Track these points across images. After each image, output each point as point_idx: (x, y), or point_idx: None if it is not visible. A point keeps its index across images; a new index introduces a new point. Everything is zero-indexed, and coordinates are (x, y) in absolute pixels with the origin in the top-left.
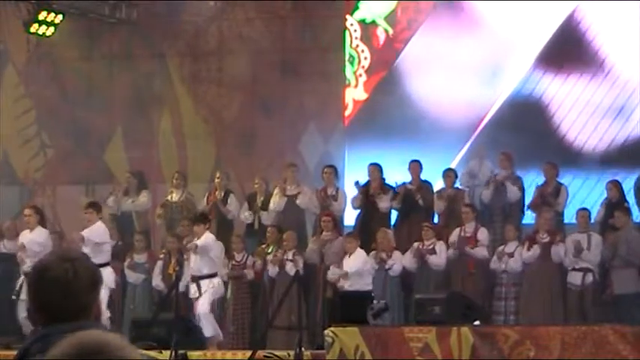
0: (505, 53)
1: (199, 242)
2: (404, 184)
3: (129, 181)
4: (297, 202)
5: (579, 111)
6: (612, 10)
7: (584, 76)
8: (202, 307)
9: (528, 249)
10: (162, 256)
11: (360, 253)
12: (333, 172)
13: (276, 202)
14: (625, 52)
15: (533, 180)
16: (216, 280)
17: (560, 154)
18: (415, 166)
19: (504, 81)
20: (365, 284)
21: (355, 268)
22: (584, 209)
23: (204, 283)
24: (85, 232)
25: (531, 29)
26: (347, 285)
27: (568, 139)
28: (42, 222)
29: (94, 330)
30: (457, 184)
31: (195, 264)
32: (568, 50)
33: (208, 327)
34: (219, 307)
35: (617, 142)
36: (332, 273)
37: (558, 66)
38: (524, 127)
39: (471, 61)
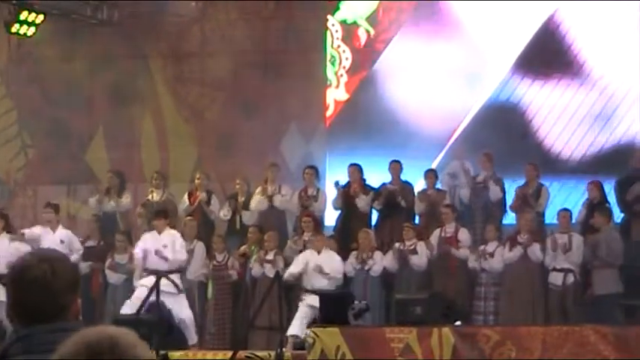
0: (484, 57)
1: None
2: (384, 184)
3: (111, 181)
4: (276, 203)
5: (557, 116)
6: (592, 14)
7: (564, 80)
8: (186, 311)
9: (510, 249)
10: None
11: (330, 253)
12: (314, 172)
13: (257, 202)
14: (604, 56)
15: (510, 186)
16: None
17: (538, 160)
18: (395, 166)
19: (483, 85)
20: (328, 285)
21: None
22: (566, 210)
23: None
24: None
25: (510, 32)
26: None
27: (546, 144)
28: (7, 227)
29: (103, 326)
30: (438, 185)
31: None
32: (547, 54)
33: (192, 333)
34: (199, 308)
35: (595, 149)
36: (288, 273)
37: (537, 70)
38: (503, 131)
39: (450, 64)
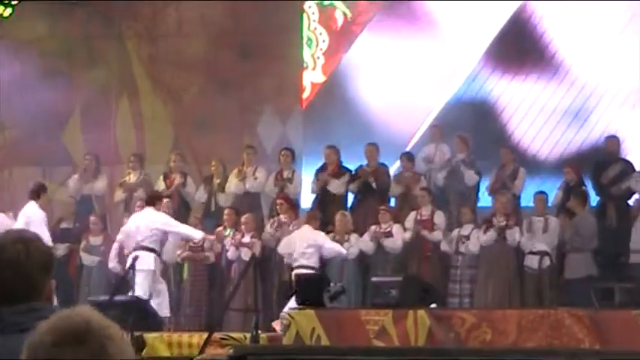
0: (459, 41)
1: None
2: (362, 166)
3: (87, 164)
4: (246, 185)
5: (525, 112)
6: (566, 9)
7: (533, 76)
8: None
9: (485, 232)
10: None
11: (305, 228)
12: (290, 154)
13: (233, 184)
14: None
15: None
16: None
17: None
18: (371, 149)
19: (458, 70)
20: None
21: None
22: (542, 192)
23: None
24: None
25: (481, 26)
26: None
27: (519, 140)
28: None
29: (77, 308)
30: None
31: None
32: (519, 50)
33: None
34: (175, 289)
35: (573, 147)
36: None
37: (509, 66)
38: (475, 129)
39: (425, 50)
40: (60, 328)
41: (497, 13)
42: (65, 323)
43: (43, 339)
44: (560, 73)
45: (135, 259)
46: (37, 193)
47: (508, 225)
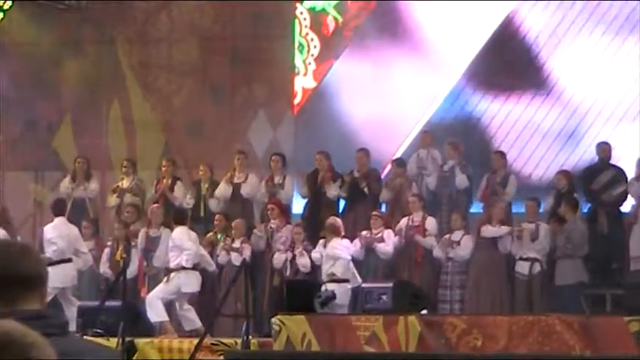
0: (450, 40)
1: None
2: (351, 172)
3: (78, 167)
4: (241, 191)
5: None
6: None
7: (526, 96)
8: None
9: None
10: (109, 243)
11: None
12: (281, 160)
13: (222, 189)
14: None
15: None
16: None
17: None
18: (362, 154)
19: (449, 69)
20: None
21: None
22: (533, 199)
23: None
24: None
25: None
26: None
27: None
28: None
29: (3, 321)
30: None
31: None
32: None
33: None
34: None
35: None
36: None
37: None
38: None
39: (416, 55)
40: None
41: (487, 19)
42: None
43: None
44: (553, 93)
45: (126, 264)
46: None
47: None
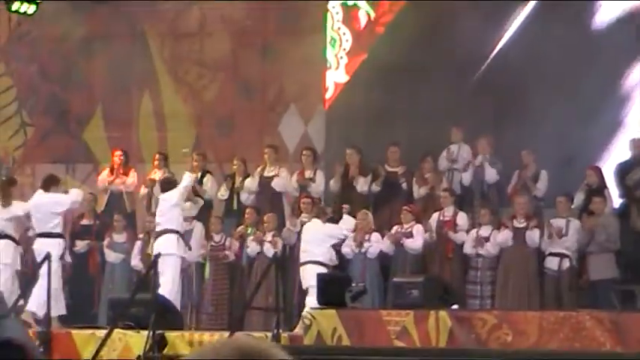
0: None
1: None
2: (383, 166)
3: (117, 160)
4: (273, 184)
5: None
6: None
7: None
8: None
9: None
10: (141, 236)
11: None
12: (312, 154)
13: (249, 182)
14: None
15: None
16: None
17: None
18: (394, 149)
19: None
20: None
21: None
22: (564, 194)
23: None
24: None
25: None
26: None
27: None
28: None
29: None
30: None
31: None
32: None
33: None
34: (197, 288)
35: None
36: None
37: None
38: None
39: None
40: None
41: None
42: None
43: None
44: None
45: (157, 256)
46: (48, 185)
47: (528, 226)
